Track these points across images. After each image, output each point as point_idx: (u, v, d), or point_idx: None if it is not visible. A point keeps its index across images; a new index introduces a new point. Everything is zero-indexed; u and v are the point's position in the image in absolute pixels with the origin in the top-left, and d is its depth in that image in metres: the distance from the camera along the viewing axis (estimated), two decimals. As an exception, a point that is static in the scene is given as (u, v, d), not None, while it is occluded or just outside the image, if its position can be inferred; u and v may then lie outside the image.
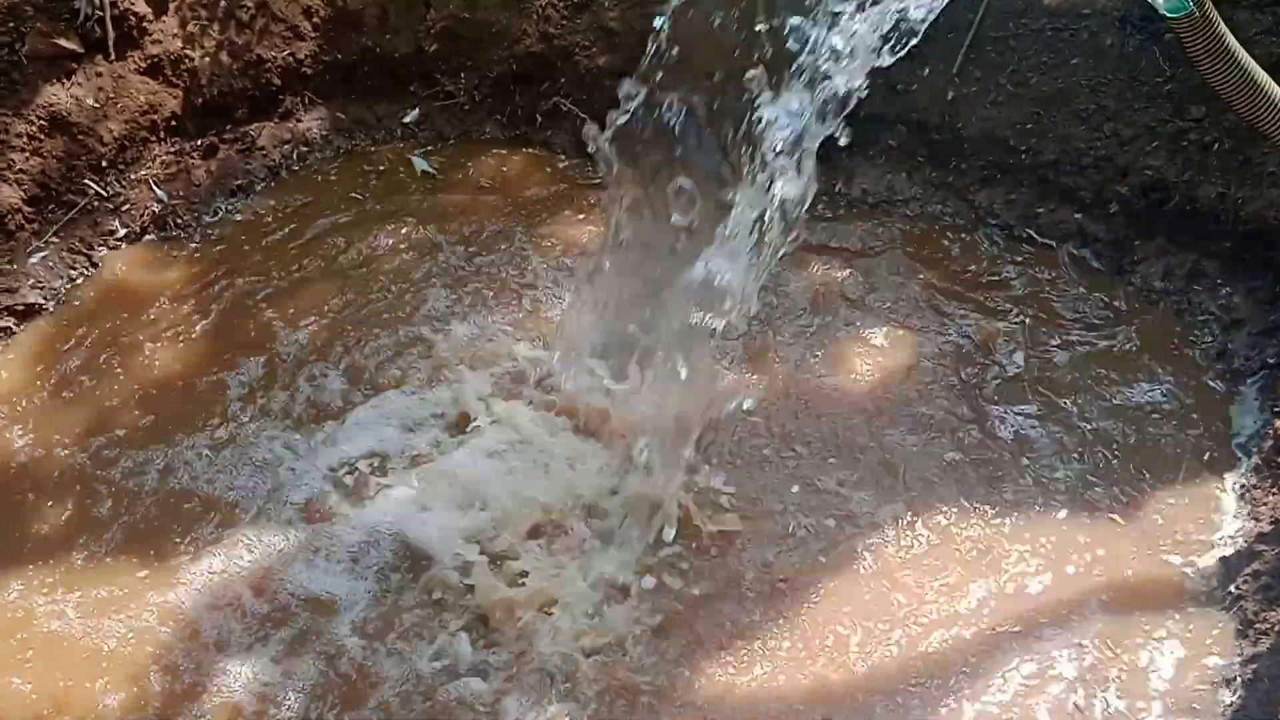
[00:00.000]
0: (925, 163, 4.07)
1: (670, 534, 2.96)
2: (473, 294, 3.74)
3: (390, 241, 3.95)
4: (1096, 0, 3.91)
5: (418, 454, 3.23)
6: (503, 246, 3.93)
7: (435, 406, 3.36)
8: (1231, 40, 2.53)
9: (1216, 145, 3.63)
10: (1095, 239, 3.80)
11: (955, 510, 3.05)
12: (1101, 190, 3.79)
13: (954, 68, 3.99)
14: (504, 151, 4.41)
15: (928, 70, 3.97)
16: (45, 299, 3.65)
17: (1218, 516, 3.00)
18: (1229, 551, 2.89)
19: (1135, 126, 3.76)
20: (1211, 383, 3.38)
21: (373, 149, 4.44)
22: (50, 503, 3.09)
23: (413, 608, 2.85)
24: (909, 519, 3.04)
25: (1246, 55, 2.58)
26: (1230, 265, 3.59)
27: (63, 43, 3.80)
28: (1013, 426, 3.29)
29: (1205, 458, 3.16)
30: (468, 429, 3.28)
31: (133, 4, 3.94)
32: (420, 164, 4.31)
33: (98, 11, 3.84)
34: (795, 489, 3.13)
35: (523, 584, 2.86)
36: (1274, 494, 2.93)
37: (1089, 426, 3.27)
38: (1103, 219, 3.80)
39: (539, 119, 4.44)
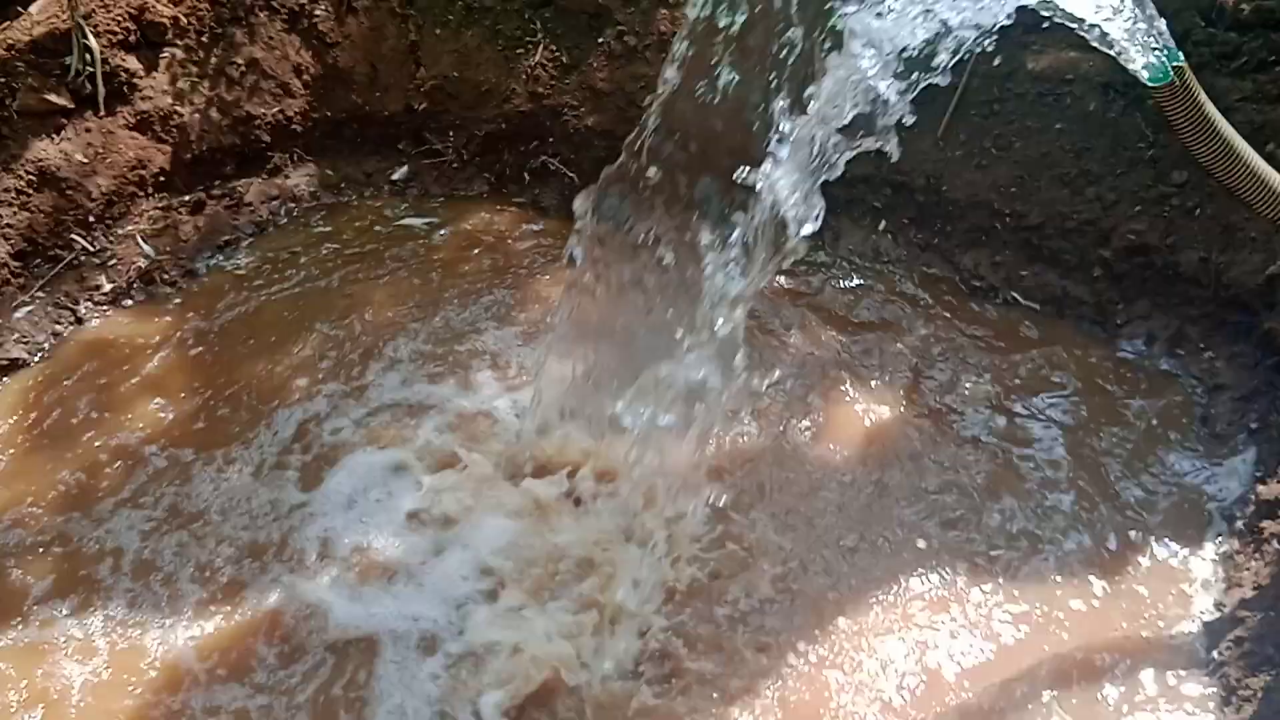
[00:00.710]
0: (911, 224, 4.10)
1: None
2: (456, 349, 3.75)
3: (376, 297, 3.95)
4: (1080, 66, 3.95)
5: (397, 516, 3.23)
6: (487, 302, 3.94)
7: (414, 465, 3.36)
8: (1211, 109, 2.55)
9: (1199, 211, 3.66)
10: (1080, 302, 3.82)
11: (938, 575, 3.04)
12: (1085, 254, 3.81)
13: (939, 131, 4.03)
14: (491, 209, 4.44)
15: (913, 133, 3.99)
16: (29, 353, 3.65)
17: (1200, 582, 2.99)
18: (1211, 617, 2.88)
19: (1118, 191, 3.79)
20: (1195, 447, 3.38)
21: (360, 205, 4.45)
22: (32, 558, 3.06)
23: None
24: (893, 583, 3.02)
25: (1226, 124, 2.59)
26: (1213, 330, 3.61)
27: (53, 98, 3.82)
28: (996, 489, 3.28)
29: (1187, 522, 3.16)
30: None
31: (124, 60, 3.98)
32: (413, 221, 4.33)
33: (89, 68, 3.88)
34: (780, 550, 3.12)
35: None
36: (1256, 559, 2.92)
37: (1072, 489, 3.27)
38: (1086, 282, 3.81)
39: (527, 177, 4.47)
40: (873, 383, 3.62)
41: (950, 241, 4.04)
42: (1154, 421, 3.47)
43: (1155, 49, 2.43)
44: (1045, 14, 2.38)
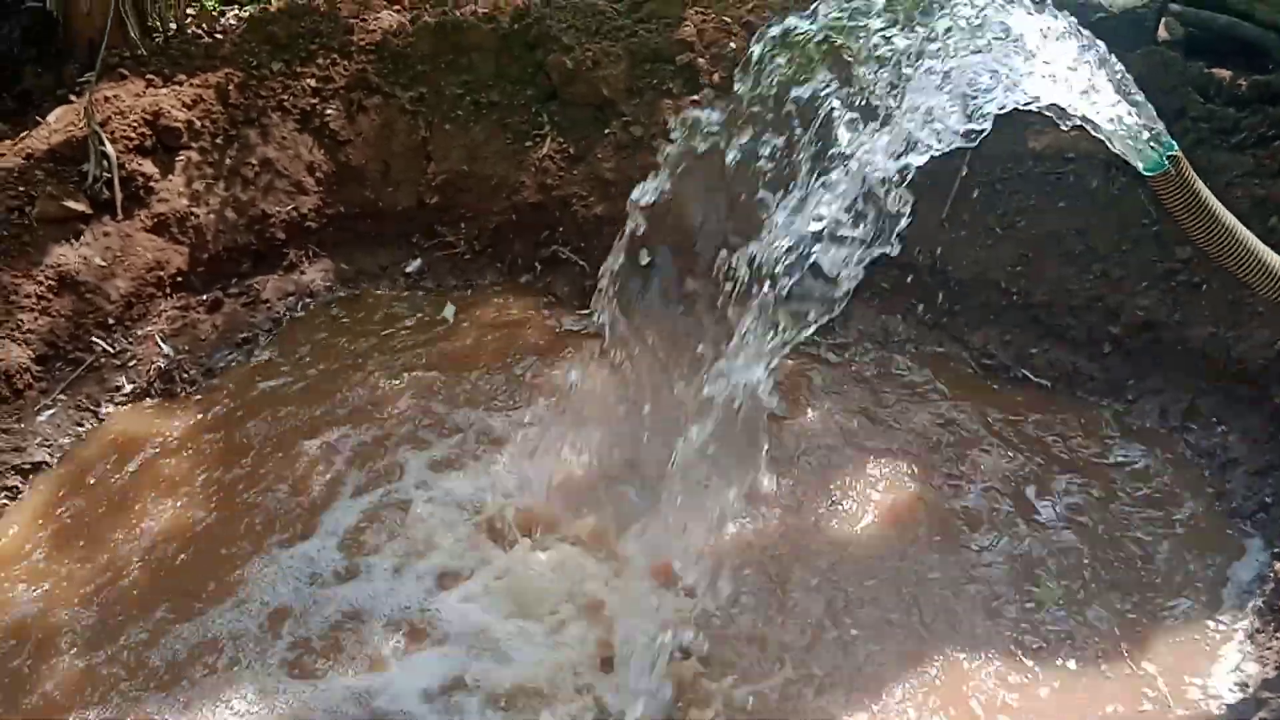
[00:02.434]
0: (919, 304, 4.13)
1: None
2: (474, 438, 3.78)
3: (392, 387, 3.99)
4: (1080, 144, 4.00)
5: (418, 609, 3.23)
6: (503, 391, 3.98)
7: (436, 558, 3.37)
8: (1207, 194, 2.58)
9: (1205, 285, 3.69)
10: (1090, 378, 3.84)
11: (956, 658, 3.03)
12: (1094, 330, 3.84)
13: (944, 212, 4.07)
14: (504, 298, 4.48)
15: (919, 214, 4.03)
16: (51, 456, 3.68)
17: (1222, 661, 2.97)
18: (1235, 698, 2.86)
19: (1124, 267, 3.82)
20: (1211, 523, 3.38)
21: (376, 298, 4.50)
22: (55, 661, 3.07)
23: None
24: (908, 668, 3.01)
25: (1223, 208, 2.62)
26: (1224, 404, 3.62)
27: (72, 204, 3.89)
28: (1013, 570, 3.28)
29: (1207, 600, 3.15)
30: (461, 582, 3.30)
31: (140, 165, 4.06)
32: (428, 313, 4.39)
33: (106, 174, 3.95)
34: (796, 635, 3.11)
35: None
36: (1277, 638, 2.92)
37: (1090, 569, 3.26)
38: (1096, 359, 3.84)
39: (538, 266, 4.52)
40: (885, 464, 3.64)
41: (959, 320, 4.07)
42: (1169, 498, 3.47)
43: (1150, 140, 2.48)
44: (1035, 109, 2.43)
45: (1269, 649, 2.92)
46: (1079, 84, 2.36)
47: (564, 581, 3.25)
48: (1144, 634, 3.07)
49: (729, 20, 4.54)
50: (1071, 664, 3.01)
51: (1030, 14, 2.43)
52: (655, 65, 4.47)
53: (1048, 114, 2.44)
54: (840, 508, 3.51)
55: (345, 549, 3.40)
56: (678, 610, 3.09)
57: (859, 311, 4.15)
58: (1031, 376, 3.91)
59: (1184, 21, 4.61)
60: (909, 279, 4.12)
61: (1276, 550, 3.18)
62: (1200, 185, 2.57)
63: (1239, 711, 2.81)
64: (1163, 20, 4.56)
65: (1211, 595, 3.16)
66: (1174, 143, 2.50)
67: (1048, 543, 3.35)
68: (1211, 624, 3.08)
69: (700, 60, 4.41)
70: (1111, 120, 2.40)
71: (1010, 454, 3.65)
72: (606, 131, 4.42)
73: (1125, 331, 3.79)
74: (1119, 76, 2.44)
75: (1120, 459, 3.62)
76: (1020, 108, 2.40)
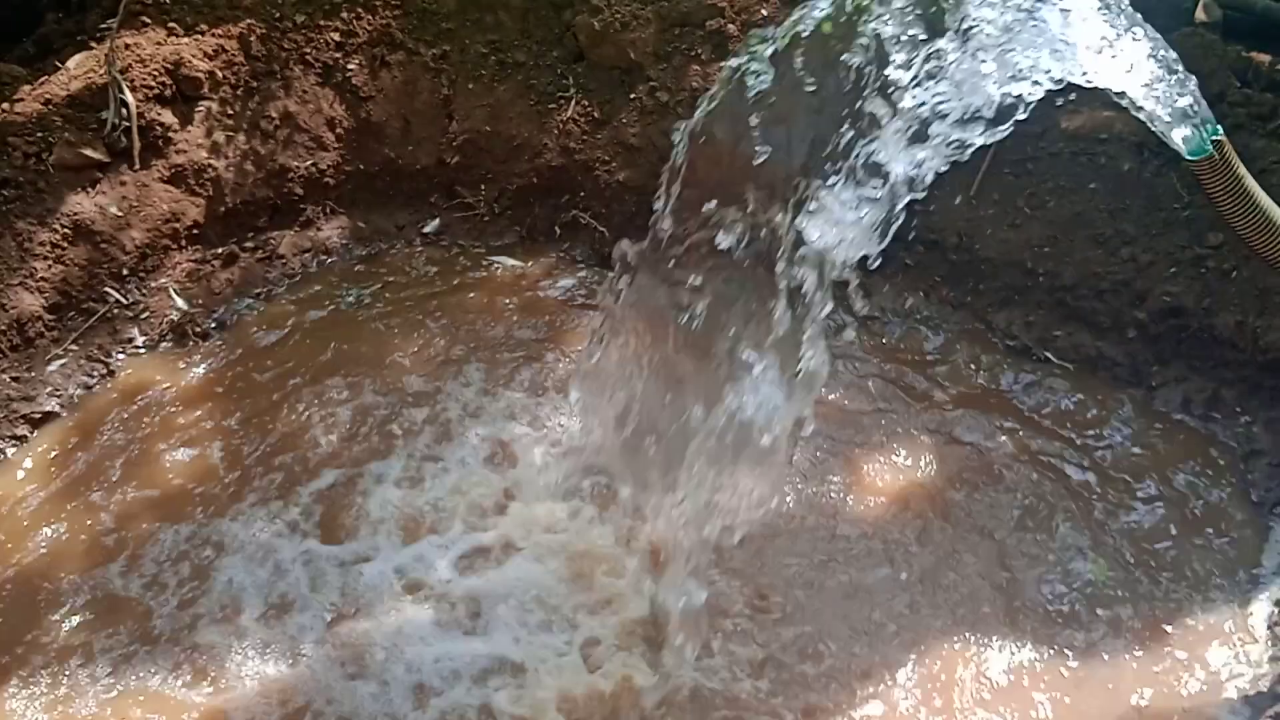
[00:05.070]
0: (943, 283, 4.07)
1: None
2: (488, 399, 3.76)
3: (407, 349, 3.95)
4: (1114, 125, 3.94)
5: (429, 570, 3.22)
6: (518, 354, 3.95)
7: (451, 515, 3.36)
8: (1250, 181, 2.54)
9: (1235, 273, 3.62)
10: (1114, 363, 3.78)
11: (973, 642, 3.01)
12: (1120, 315, 3.77)
13: (972, 189, 4.01)
14: (522, 261, 4.43)
15: (945, 191, 3.98)
16: (61, 406, 3.65)
17: (1242, 653, 2.95)
18: (1253, 690, 2.83)
19: (1153, 252, 3.76)
20: (1234, 514, 3.33)
21: (392, 257, 4.45)
22: (61, 612, 3.06)
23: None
24: (922, 651, 2.99)
25: (1265, 196, 2.58)
26: (1249, 394, 3.57)
27: (89, 153, 3.84)
28: (1030, 554, 3.25)
29: (1229, 592, 3.12)
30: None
31: (159, 114, 4.00)
32: (444, 273, 4.34)
33: (124, 122, 3.90)
34: (812, 614, 3.09)
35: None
36: (1299, 629, 2.89)
37: (1110, 558, 3.23)
38: (1121, 343, 3.78)
39: (558, 230, 4.47)
40: (905, 442, 3.60)
41: (982, 300, 4.01)
42: (1190, 487, 3.43)
43: (1194, 122, 2.42)
44: (1086, 86, 2.38)
45: (1289, 640, 2.89)
46: (1123, 62, 2.30)
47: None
48: (1163, 624, 3.04)
49: (760, -14, 4.47)
50: (1092, 652, 2.99)
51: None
52: (684, 30, 4.39)
53: (1085, 91, 2.39)
54: (850, 487, 3.48)
55: (361, 497, 3.41)
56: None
57: (880, 288, 4.09)
58: (1054, 359, 3.86)
59: (1222, 3, 4.52)
60: (934, 256, 4.07)
61: (1299, 541, 3.15)
62: (1243, 170, 2.52)
63: (1257, 703, 2.79)
64: (1201, 2, 4.47)
65: (1233, 587, 3.13)
66: (1219, 127, 2.45)
67: (1068, 529, 3.31)
68: (1233, 615, 3.05)
69: (730, 26, 4.34)
70: (1156, 102, 2.35)
71: (1029, 437, 3.60)
72: (632, 96, 4.35)
73: (1151, 317, 3.72)
74: (1166, 57, 2.38)
75: (1141, 446, 3.57)
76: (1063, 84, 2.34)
